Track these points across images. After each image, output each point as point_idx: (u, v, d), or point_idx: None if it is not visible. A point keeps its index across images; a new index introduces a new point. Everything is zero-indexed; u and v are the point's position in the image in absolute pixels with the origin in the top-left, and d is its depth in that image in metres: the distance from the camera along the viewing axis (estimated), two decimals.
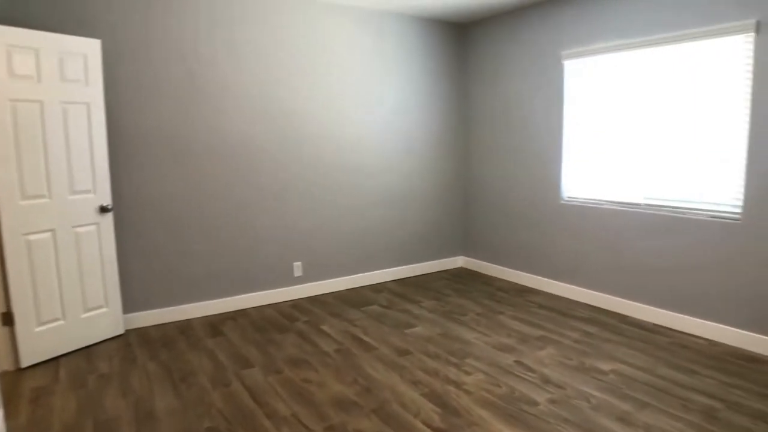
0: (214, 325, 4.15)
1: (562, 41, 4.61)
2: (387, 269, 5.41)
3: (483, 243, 5.70)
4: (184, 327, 4.11)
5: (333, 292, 5.01)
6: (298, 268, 4.81)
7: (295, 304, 4.64)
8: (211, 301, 4.39)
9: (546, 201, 4.92)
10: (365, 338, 3.83)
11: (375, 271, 5.32)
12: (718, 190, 3.67)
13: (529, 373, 3.21)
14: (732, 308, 3.64)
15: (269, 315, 4.37)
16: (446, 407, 2.81)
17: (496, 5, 4.88)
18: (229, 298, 4.47)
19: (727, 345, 3.65)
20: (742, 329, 3.59)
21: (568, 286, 4.76)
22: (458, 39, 5.66)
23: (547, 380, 3.12)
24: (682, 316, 3.92)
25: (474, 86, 5.62)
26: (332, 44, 4.77)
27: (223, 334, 3.94)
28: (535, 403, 2.85)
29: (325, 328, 4.06)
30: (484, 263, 5.69)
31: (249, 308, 4.55)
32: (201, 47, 4.12)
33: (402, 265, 5.53)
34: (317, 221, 4.87)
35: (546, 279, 4.98)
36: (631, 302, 4.25)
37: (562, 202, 4.76)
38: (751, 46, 3.41)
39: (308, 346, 3.70)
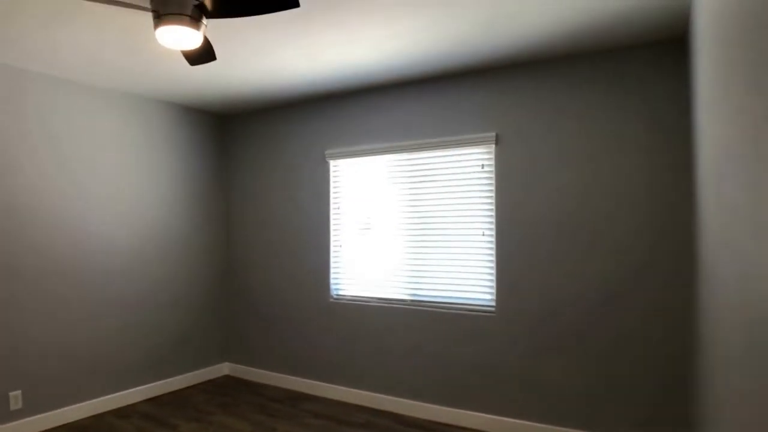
0: None
1: (327, 141, 4.68)
2: (137, 387, 4.60)
3: (250, 347, 5.26)
4: None
5: (66, 425, 4.03)
6: (16, 399, 3.79)
7: None
8: None
9: (315, 299, 4.76)
10: None
11: (121, 392, 4.48)
12: (476, 286, 3.93)
13: None
14: (497, 396, 3.82)
15: None
16: None
17: (256, 101, 4.81)
18: None
19: None
20: (512, 417, 3.77)
21: (343, 388, 4.57)
22: (221, 130, 5.42)
23: None
24: (455, 410, 3.99)
25: (239, 180, 5.37)
26: (71, 128, 4.12)
27: None
28: None
29: None
30: (253, 369, 5.23)
31: None
32: None
33: (155, 381, 4.77)
34: (44, 336, 3.96)
35: (320, 383, 4.73)
36: (405, 400, 4.22)
37: (332, 300, 4.65)
38: (493, 155, 3.83)
39: None
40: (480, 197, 3.90)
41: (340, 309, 4.60)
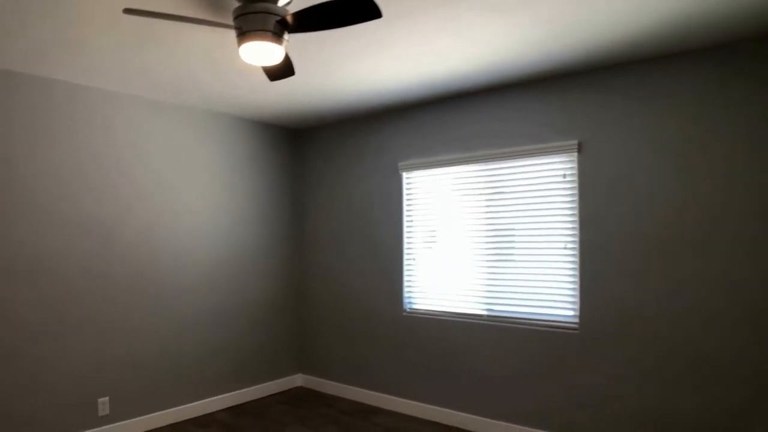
0: None
1: (400, 153, 4.65)
2: (216, 396, 4.70)
3: (323, 359, 5.28)
4: None
5: None
6: (104, 405, 3.94)
7: None
8: None
9: (388, 313, 4.72)
10: None
11: (202, 400, 4.59)
12: (557, 301, 3.76)
13: None
14: (578, 419, 3.62)
15: None
16: None
17: (329, 114, 4.84)
18: None
19: None
20: None
21: (414, 403, 4.49)
22: (295, 144, 5.51)
23: None
24: (528, 428, 3.81)
25: (312, 194, 5.42)
26: (150, 145, 4.29)
27: None
28: None
29: None
30: (325, 381, 5.24)
31: None
32: None
33: (234, 390, 4.86)
34: (131, 346, 4.10)
35: (391, 396, 4.67)
36: (476, 417, 4.09)
37: (405, 314, 4.59)
38: (575, 164, 3.67)
39: None
40: (561, 208, 3.74)
41: (413, 323, 4.53)
